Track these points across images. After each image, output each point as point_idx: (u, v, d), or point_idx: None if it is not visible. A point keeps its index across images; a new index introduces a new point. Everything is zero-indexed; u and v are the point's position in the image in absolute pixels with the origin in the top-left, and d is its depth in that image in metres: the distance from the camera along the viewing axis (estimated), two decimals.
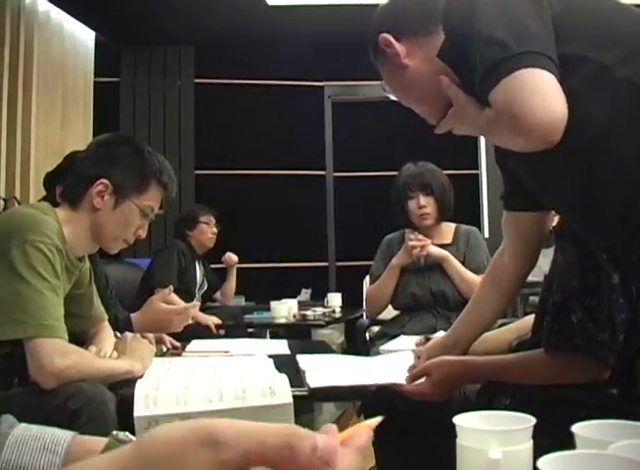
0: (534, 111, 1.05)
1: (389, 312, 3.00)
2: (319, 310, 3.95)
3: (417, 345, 1.89)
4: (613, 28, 1.18)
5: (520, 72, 1.06)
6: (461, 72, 1.26)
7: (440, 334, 1.94)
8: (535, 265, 1.65)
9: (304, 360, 1.86)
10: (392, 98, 1.44)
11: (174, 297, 2.35)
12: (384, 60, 1.37)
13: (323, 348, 2.54)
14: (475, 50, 1.14)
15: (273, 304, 3.91)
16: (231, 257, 4.40)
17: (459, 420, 0.80)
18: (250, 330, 4.00)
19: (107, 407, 1.43)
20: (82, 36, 5.13)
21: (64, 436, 0.75)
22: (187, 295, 3.71)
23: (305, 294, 5.14)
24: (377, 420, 0.53)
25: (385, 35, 1.33)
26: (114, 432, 0.71)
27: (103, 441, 0.73)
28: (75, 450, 0.73)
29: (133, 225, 1.80)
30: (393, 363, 1.85)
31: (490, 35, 1.12)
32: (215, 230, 4.30)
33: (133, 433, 0.76)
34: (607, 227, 1.24)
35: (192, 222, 4.24)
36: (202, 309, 3.83)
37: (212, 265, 4.45)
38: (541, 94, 1.06)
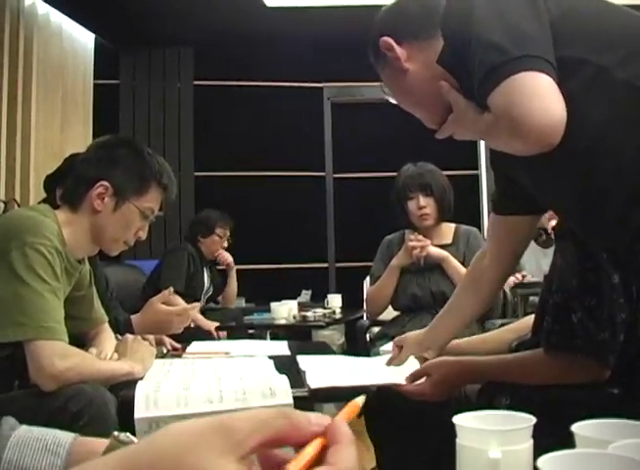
0: (533, 114, 1.05)
1: (390, 313, 3.00)
2: (319, 311, 3.94)
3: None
4: (609, 31, 1.18)
5: (518, 76, 1.07)
6: (460, 77, 1.27)
7: (417, 332, 1.94)
8: (514, 271, 1.66)
9: (305, 361, 1.86)
10: (393, 101, 1.44)
11: (176, 298, 2.35)
12: (384, 63, 1.37)
13: (323, 349, 2.54)
14: (473, 54, 1.15)
15: (273, 305, 3.91)
16: (224, 254, 4.37)
17: (459, 420, 0.80)
18: (250, 331, 4.00)
19: (107, 409, 1.43)
20: (81, 38, 5.14)
21: (65, 437, 0.75)
22: (192, 299, 3.71)
23: (305, 295, 5.14)
24: (362, 398, 0.55)
25: (386, 39, 1.33)
26: (115, 433, 0.71)
27: (104, 442, 0.73)
28: (77, 452, 0.74)
29: (133, 227, 1.80)
30: None
31: (488, 39, 1.12)
32: (226, 244, 4.29)
33: (134, 434, 0.76)
34: (606, 229, 1.24)
35: (207, 230, 4.21)
36: (202, 312, 3.83)
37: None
38: (540, 97, 1.06)
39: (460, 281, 2.75)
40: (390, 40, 1.33)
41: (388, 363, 1.77)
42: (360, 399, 0.55)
